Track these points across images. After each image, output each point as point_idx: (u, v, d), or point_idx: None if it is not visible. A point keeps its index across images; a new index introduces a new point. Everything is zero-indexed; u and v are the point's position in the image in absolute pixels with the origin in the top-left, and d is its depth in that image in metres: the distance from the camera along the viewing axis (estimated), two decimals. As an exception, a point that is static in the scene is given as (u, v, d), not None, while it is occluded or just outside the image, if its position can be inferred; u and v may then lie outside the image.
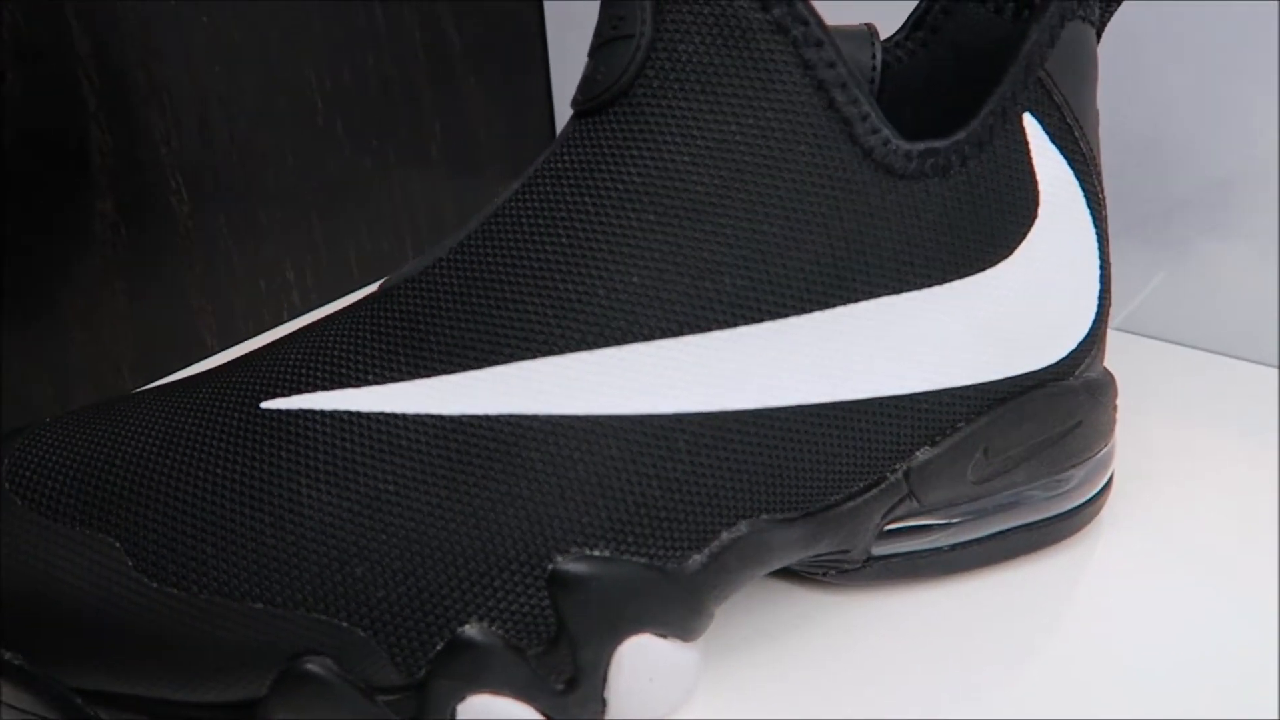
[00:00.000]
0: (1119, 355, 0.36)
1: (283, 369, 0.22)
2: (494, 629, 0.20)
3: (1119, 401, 0.31)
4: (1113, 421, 0.27)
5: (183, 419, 0.22)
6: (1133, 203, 0.35)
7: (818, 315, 0.22)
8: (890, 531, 0.25)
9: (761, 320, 0.21)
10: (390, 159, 0.43)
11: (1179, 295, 0.36)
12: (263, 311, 0.40)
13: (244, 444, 0.21)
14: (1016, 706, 0.23)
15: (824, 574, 0.25)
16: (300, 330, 0.23)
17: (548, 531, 0.20)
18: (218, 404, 0.22)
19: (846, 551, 0.24)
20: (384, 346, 0.21)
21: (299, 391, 0.21)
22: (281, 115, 0.39)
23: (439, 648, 0.20)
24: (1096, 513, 0.27)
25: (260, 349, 0.23)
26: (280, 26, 0.38)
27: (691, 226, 0.21)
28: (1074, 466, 0.26)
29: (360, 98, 0.41)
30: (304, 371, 0.22)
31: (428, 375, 0.21)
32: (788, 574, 0.25)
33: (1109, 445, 0.27)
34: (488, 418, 0.20)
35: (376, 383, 0.21)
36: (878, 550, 0.25)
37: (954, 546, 0.25)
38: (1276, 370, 0.35)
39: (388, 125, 0.43)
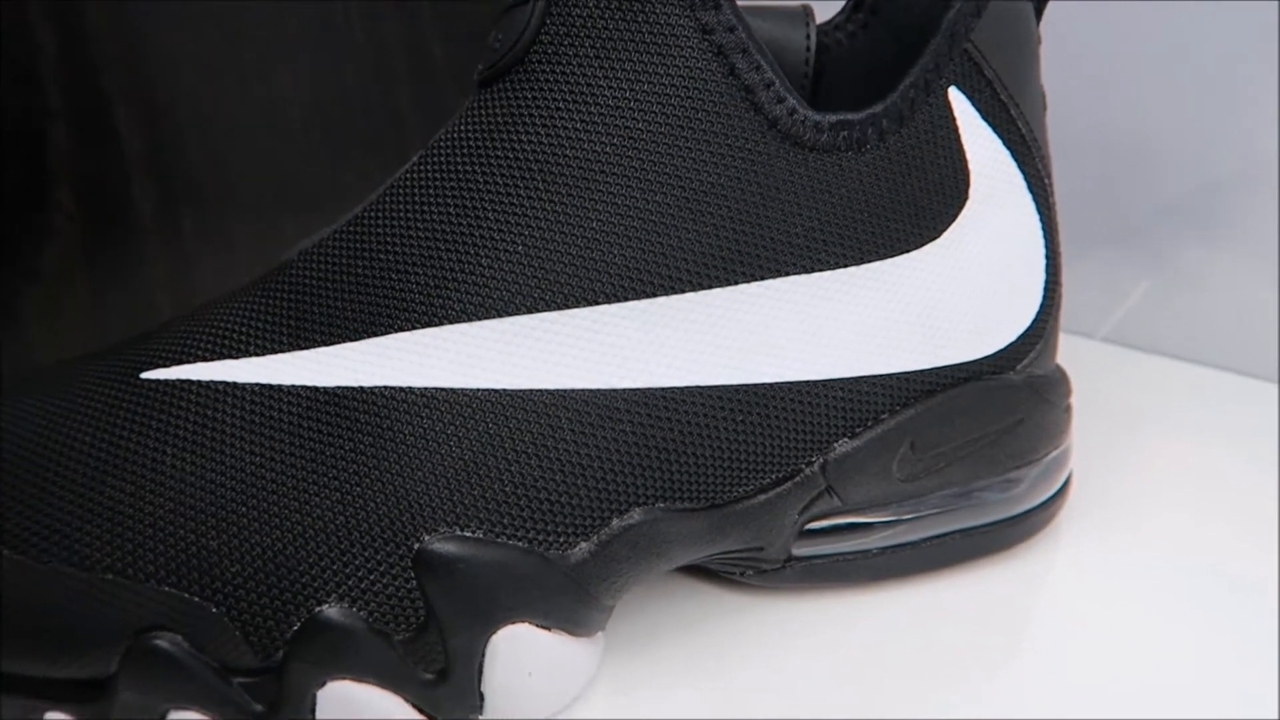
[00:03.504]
0: (1103, 368, 0.34)
1: (170, 341, 0.21)
2: (356, 610, 0.19)
3: (1086, 405, 0.29)
4: (1065, 422, 0.25)
5: (68, 391, 0.21)
6: (1117, 208, 0.34)
7: (718, 292, 0.20)
8: (817, 530, 0.23)
9: (655, 295, 0.20)
10: (371, 171, 0.43)
11: (1166, 305, 0.34)
12: (232, 313, 0.40)
13: (117, 414, 0.20)
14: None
15: (741, 573, 0.23)
16: (201, 306, 0.23)
17: (416, 509, 0.19)
18: (103, 376, 0.21)
19: (761, 549, 0.22)
20: (270, 319, 0.21)
21: (179, 362, 0.21)
22: (256, 123, 0.39)
23: (296, 628, 0.19)
24: (1048, 520, 0.25)
25: (160, 325, 0.23)
26: (258, 33, 0.38)
27: (580, 195, 0.20)
28: (1018, 468, 0.24)
29: (339, 108, 0.41)
30: (189, 343, 0.21)
31: (307, 347, 0.20)
32: (702, 572, 0.24)
33: (1061, 447, 0.25)
34: (361, 390, 0.20)
35: (257, 354, 0.20)
36: (799, 550, 0.23)
37: (884, 550, 0.24)
38: (1273, 384, 0.32)
39: (367, 137, 0.43)
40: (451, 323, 0.20)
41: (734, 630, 0.23)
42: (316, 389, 0.20)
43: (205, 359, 0.21)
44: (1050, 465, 0.25)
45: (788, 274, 0.21)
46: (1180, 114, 0.32)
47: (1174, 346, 0.34)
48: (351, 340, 0.20)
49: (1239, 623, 0.23)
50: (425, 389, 0.19)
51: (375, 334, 0.20)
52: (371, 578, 0.19)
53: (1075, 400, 0.28)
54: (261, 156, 0.40)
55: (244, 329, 0.21)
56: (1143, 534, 0.26)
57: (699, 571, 0.24)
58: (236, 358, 0.20)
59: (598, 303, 0.20)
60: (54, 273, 0.35)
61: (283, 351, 0.20)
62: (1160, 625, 0.23)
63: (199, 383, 0.20)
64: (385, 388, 0.19)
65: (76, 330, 0.36)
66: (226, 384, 0.20)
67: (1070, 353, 0.32)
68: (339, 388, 0.20)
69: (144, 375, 0.21)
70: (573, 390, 0.20)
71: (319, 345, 0.20)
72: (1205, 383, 0.33)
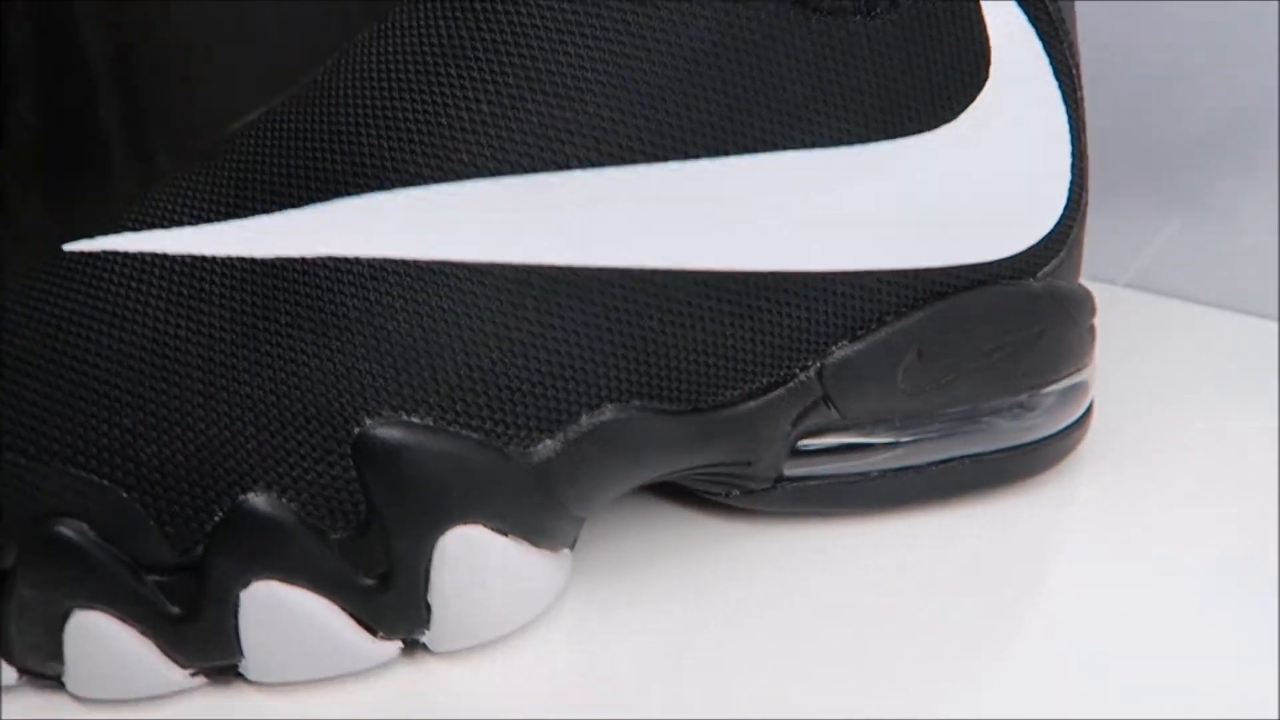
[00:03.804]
0: (1127, 315, 0.32)
1: (102, 216, 0.19)
2: (286, 501, 0.17)
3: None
4: (1087, 344, 0.23)
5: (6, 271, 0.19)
6: (1142, 139, 0.31)
7: (707, 164, 0.18)
8: (812, 450, 0.21)
9: (635, 162, 0.18)
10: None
11: (1198, 246, 0.32)
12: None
13: (35, 288, 0.18)
14: (934, 686, 0.19)
15: (726, 494, 0.21)
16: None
17: (357, 389, 0.17)
18: (30, 253, 0.19)
19: (749, 464, 0.20)
20: (208, 189, 0.19)
21: (106, 233, 0.19)
22: (239, 40, 0.37)
23: (218, 518, 0.17)
24: (1066, 451, 0.23)
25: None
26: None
27: (554, 48, 0.18)
28: (1035, 388, 0.22)
29: (325, 33, 0.39)
30: (120, 214, 0.19)
31: (245, 215, 0.18)
32: (682, 492, 0.22)
33: (1083, 372, 0.23)
34: (303, 261, 0.17)
35: (190, 224, 0.18)
36: (791, 470, 0.21)
37: (885, 473, 0.21)
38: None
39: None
40: (404, 186, 0.17)
41: (716, 554, 0.21)
42: (253, 260, 0.18)
43: (133, 229, 0.18)
44: (1070, 391, 0.23)
45: (784, 149, 0.19)
46: (1215, 32, 0.30)
47: (1206, 292, 0.32)
48: (293, 207, 0.18)
49: (1263, 575, 0.21)
50: (373, 259, 0.17)
51: (320, 199, 0.18)
52: (305, 464, 0.17)
53: (1098, 351, 0.26)
54: (241, 73, 0.38)
55: (180, 200, 0.19)
56: (1167, 475, 0.24)
57: (679, 491, 0.22)
58: (168, 228, 0.18)
59: (570, 167, 0.18)
60: (10, 187, 0.33)
61: (218, 221, 0.18)
62: (1180, 572, 0.21)
63: (125, 254, 0.18)
64: (328, 258, 0.17)
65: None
66: (155, 255, 0.18)
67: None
68: (277, 259, 0.18)
69: (68, 247, 0.19)
70: (540, 266, 0.18)
71: (258, 214, 0.18)
72: (1240, 330, 0.31)
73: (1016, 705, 0.18)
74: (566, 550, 0.20)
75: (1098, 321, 0.23)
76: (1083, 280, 0.23)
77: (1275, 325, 0.30)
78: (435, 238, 0.17)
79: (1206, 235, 0.31)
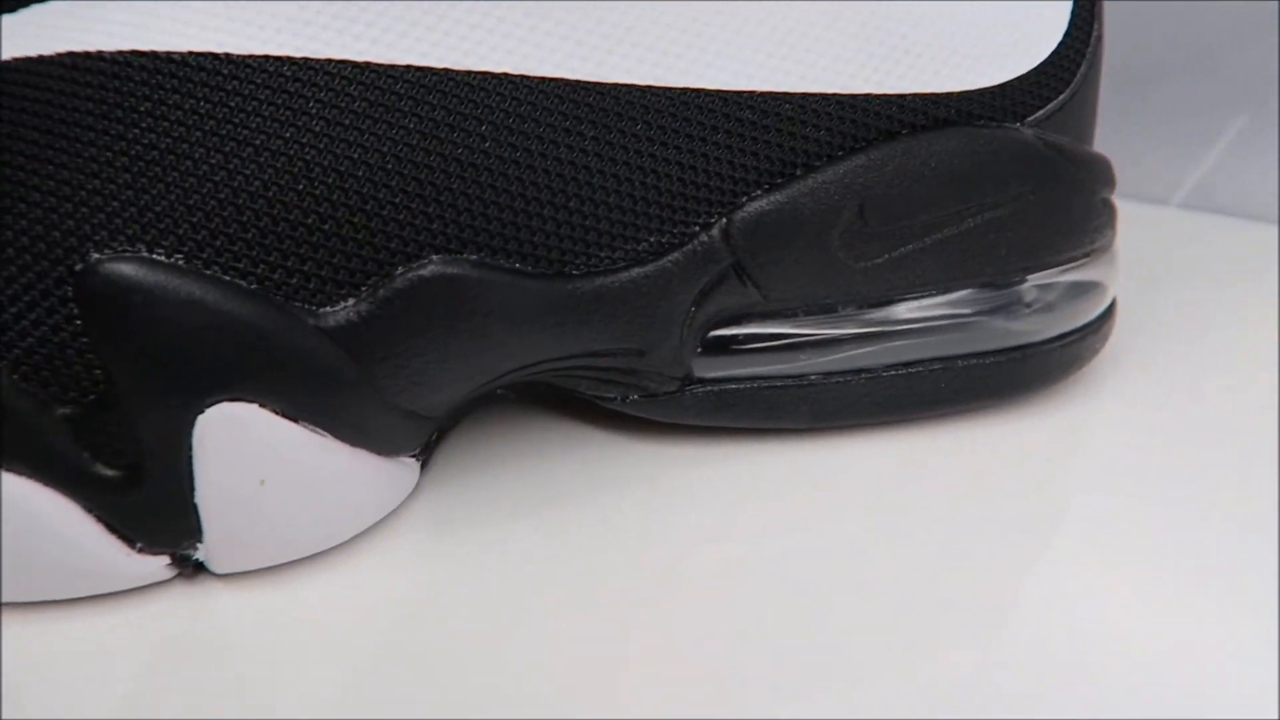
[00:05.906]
0: (1183, 241, 0.26)
1: None
2: (-9, 360, 0.13)
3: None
4: (1102, 220, 0.18)
5: None
6: (1193, 27, 0.26)
7: (561, -58, 0.14)
8: (732, 345, 0.17)
9: (462, -65, 0.14)
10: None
11: (1265, 153, 0.26)
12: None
13: None
14: (872, 681, 0.14)
15: (622, 398, 0.17)
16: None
17: (84, 213, 0.13)
18: None
19: (641, 354, 0.16)
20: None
21: None
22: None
23: (-102, 379, 0.13)
24: (1071, 365, 0.18)
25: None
26: None
27: None
28: (1028, 271, 0.17)
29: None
30: None
31: (-9, 17, 0.15)
32: (568, 401, 0.17)
33: (1096, 263, 0.18)
34: (40, 60, 0.14)
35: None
36: (704, 370, 0.16)
37: (828, 377, 0.17)
38: None
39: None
40: (164, -36, 0.14)
41: (603, 475, 0.16)
42: (-13, 65, 0.14)
43: None
44: (1081, 288, 0.18)
45: (670, -72, 0.14)
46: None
47: (1275, 209, 0.26)
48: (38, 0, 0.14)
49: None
50: (117, 55, 0.14)
51: (62, -12, 0.14)
52: (14, 311, 0.13)
53: (1142, 279, 0.21)
54: None
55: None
56: (1208, 410, 0.19)
57: (563, 399, 0.17)
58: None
59: (371, -64, 0.14)
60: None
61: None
62: (1206, 521, 0.16)
63: None
64: (66, 55, 0.14)
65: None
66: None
67: (1137, 229, 0.25)
68: (12, 61, 0.14)
69: None
70: (326, 61, 0.14)
71: None
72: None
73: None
74: (410, 460, 0.16)
75: (1114, 198, 0.18)
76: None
77: (1365, 245, 0.25)
78: (191, 27, 0.13)
79: (1275, 140, 0.26)
